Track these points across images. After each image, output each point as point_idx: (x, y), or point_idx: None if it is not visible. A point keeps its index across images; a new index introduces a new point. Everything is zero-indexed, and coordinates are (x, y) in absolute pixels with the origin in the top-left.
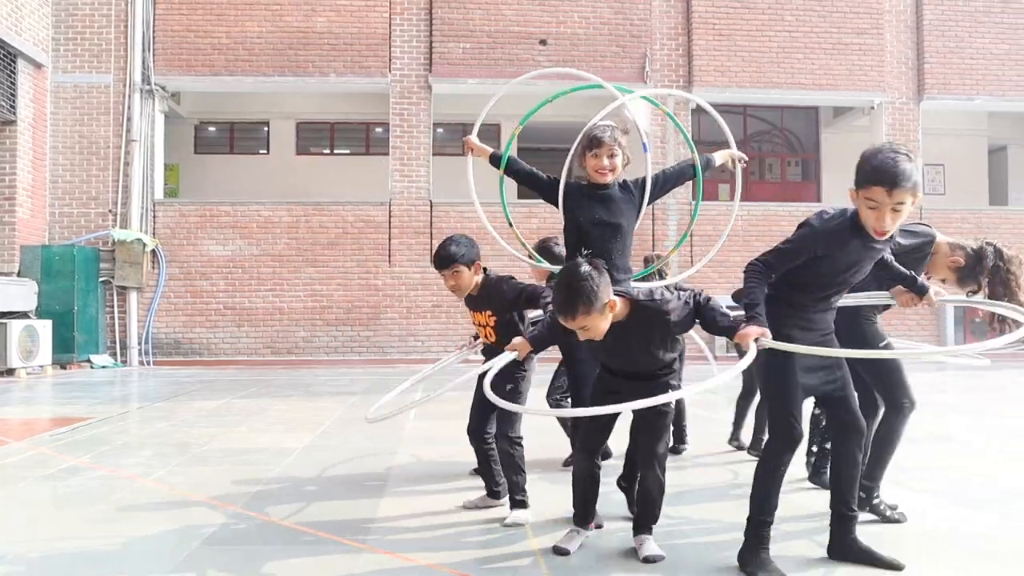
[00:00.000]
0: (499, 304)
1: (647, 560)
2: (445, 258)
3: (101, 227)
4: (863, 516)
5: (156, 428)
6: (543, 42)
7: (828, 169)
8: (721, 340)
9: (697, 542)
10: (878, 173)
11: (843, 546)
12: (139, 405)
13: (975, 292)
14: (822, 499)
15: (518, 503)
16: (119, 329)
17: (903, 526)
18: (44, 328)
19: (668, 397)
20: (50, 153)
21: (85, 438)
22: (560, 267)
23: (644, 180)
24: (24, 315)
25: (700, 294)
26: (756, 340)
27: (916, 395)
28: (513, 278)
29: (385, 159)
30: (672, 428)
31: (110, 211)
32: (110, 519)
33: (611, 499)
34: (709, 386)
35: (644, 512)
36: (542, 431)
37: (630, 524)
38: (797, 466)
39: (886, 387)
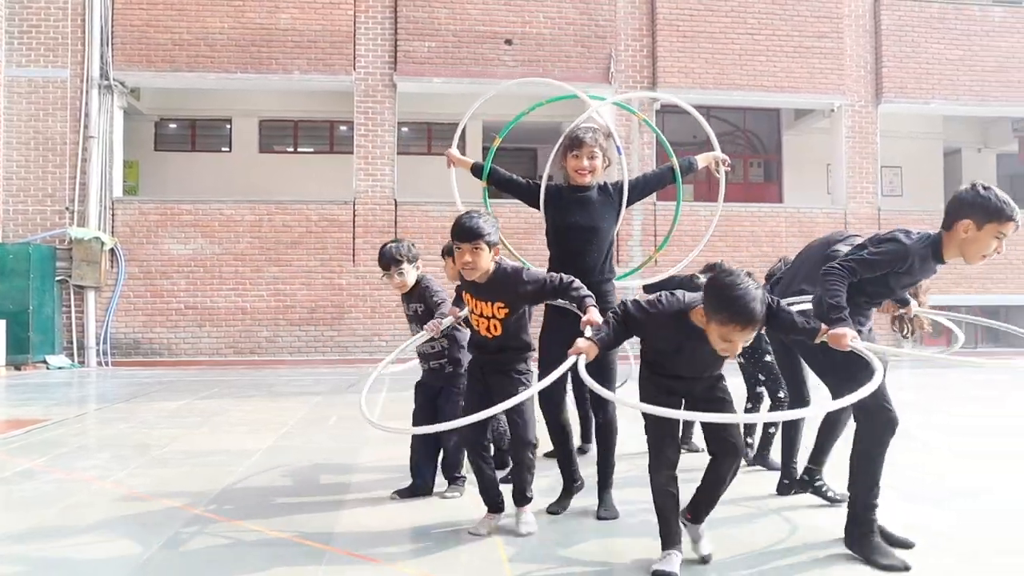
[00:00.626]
0: (515, 296)
1: (705, 560)
2: (471, 231)
3: (58, 225)
4: (813, 500)
5: (115, 430)
6: (508, 42)
7: (789, 170)
8: None
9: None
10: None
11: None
12: (97, 407)
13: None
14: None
15: (527, 500)
16: (76, 329)
17: None
18: None
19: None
20: (3, 149)
21: (40, 441)
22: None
23: (622, 183)
24: None
25: (771, 297)
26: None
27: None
28: (529, 268)
29: (349, 158)
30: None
31: (67, 209)
32: (65, 523)
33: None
34: (845, 402)
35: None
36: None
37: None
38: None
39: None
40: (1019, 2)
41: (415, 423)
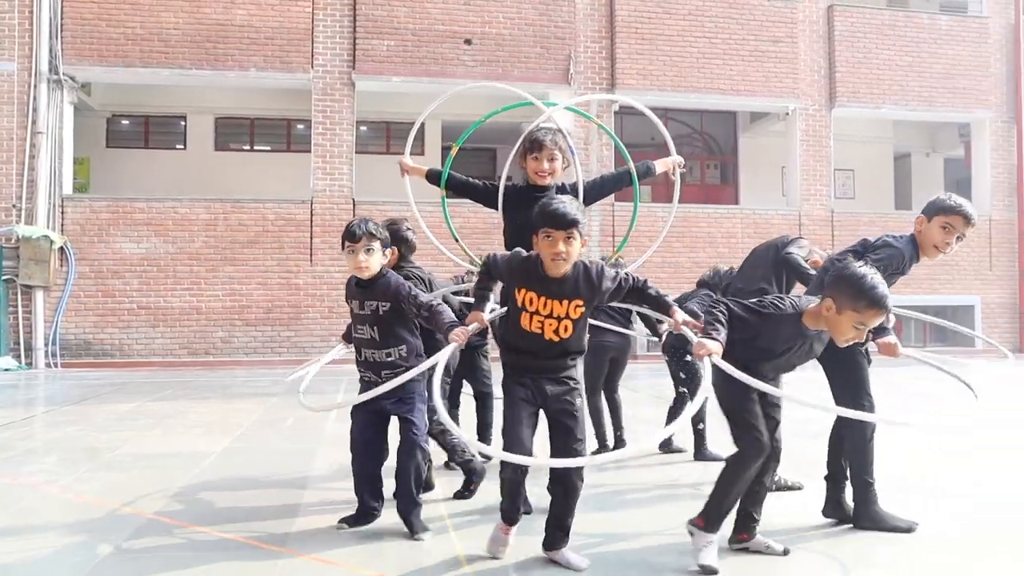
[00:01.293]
0: (595, 293)
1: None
2: (566, 217)
3: (4, 223)
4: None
5: (63, 433)
6: (468, 42)
7: (745, 172)
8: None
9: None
10: (964, 208)
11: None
12: (45, 409)
13: None
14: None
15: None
16: (24, 330)
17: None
18: None
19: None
20: None
21: None
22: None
23: (577, 184)
24: None
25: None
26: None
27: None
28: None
29: (307, 156)
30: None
31: (14, 206)
32: (10, 529)
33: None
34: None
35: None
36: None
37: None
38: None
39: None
40: (965, 12)
41: (357, 458)
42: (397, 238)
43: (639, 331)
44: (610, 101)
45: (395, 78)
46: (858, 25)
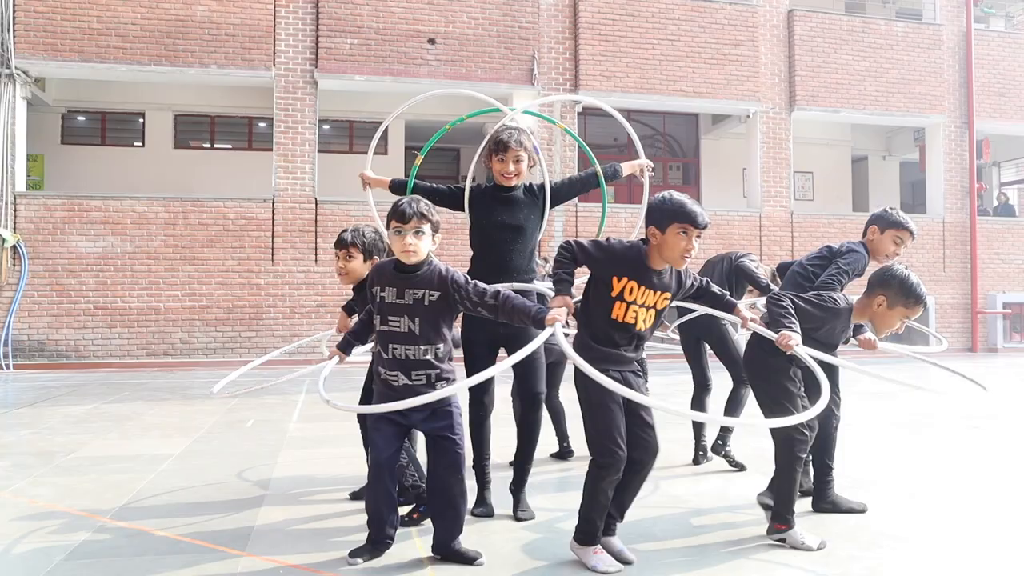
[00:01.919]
0: (680, 289)
1: None
2: (703, 217)
3: None
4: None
5: (16, 436)
6: (432, 41)
7: (707, 173)
8: None
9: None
10: (911, 225)
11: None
12: None
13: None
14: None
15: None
16: None
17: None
18: None
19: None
20: None
21: None
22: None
23: (544, 185)
24: None
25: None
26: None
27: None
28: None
29: (268, 155)
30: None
31: None
32: None
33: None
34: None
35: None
36: None
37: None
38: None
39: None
40: (920, 19)
41: (382, 481)
42: (378, 247)
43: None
44: (574, 102)
45: (358, 77)
46: (817, 30)
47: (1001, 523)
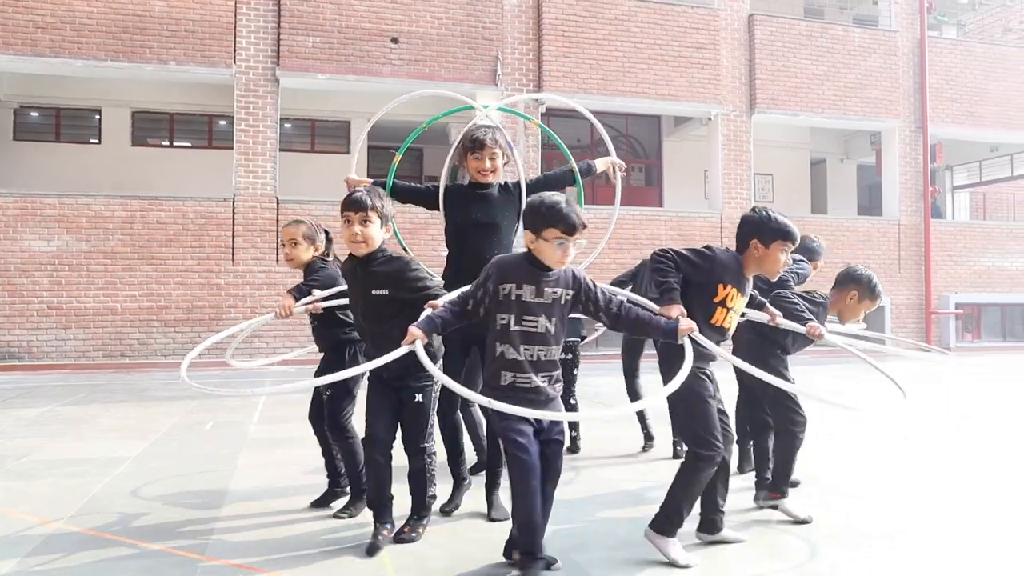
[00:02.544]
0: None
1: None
2: (794, 229)
3: None
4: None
5: None
6: (395, 40)
7: (669, 175)
8: None
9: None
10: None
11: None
12: None
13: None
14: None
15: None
16: None
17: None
18: None
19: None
20: None
21: None
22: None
23: (520, 183)
24: None
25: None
26: None
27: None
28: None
29: (229, 153)
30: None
31: None
32: None
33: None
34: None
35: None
36: None
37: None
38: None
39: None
40: (876, 25)
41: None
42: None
43: None
44: (536, 102)
45: (320, 75)
46: (777, 34)
47: (986, 523)
